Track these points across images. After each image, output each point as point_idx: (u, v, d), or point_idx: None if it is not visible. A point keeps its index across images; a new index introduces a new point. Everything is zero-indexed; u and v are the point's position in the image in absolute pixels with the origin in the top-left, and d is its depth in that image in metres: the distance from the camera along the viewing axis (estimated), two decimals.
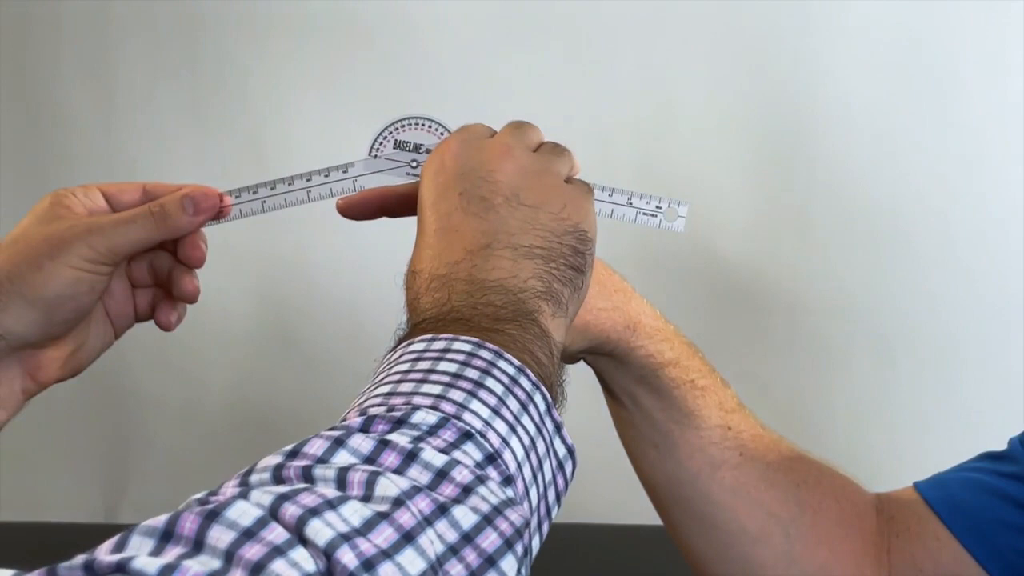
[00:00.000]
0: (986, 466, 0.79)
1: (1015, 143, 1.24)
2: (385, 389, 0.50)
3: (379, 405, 0.49)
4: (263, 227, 1.33)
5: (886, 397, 1.31)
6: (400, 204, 0.68)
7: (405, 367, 0.51)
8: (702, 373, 0.76)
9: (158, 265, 0.69)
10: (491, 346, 0.52)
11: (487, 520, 0.44)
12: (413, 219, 0.69)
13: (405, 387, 0.49)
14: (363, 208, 0.69)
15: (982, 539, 0.75)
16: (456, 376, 0.50)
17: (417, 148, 0.69)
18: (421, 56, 1.28)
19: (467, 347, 0.51)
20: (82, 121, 1.35)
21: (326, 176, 0.69)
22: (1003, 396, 1.25)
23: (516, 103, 1.28)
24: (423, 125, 0.69)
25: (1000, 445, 0.80)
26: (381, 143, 0.69)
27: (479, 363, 0.51)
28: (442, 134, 0.68)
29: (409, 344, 0.53)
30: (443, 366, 0.50)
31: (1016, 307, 1.26)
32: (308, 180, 0.69)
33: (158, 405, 1.38)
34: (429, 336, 0.53)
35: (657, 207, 0.71)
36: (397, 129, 0.69)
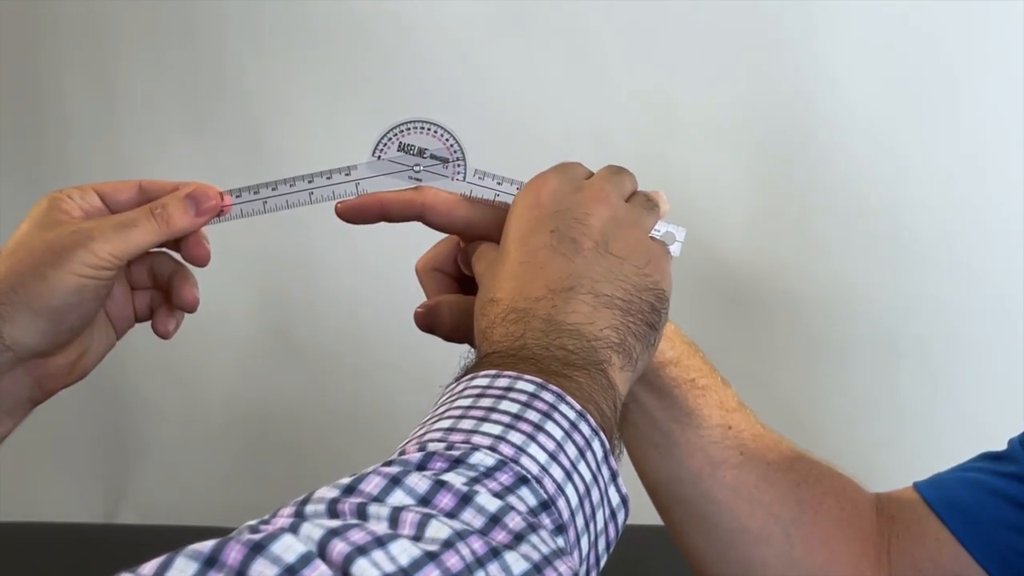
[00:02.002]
0: (986, 466, 0.79)
1: (1016, 142, 1.24)
2: (446, 424, 0.50)
3: (439, 441, 0.48)
4: (263, 228, 1.33)
5: (886, 397, 1.31)
6: (401, 210, 0.68)
7: (467, 402, 0.51)
8: (703, 372, 0.76)
9: (157, 269, 0.69)
10: (554, 388, 0.52)
11: (537, 569, 0.43)
12: (415, 223, 0.69)
13: (466, 424, 0.49)
14: (363, 212, 0.68)
15: (982, 539, 0.75)
16: (517, 417, 0.50)
17: (421, 152, 0.68)
18: (420, 57, 1.28)
19: (530, 387, 0.51)
20: (82, 122, 1.35)
21: (328, 178, 0.69)
22: (1003, 396, 1.25)
23: (516, 104, 1.28)
24: (428, 130, 0.68)
25: (1000, 445, 0.80)
26: (385, 145, 0.69)
27: (541, 405, 0.51)
28: (447, 139, 0.68)
29: (473, 378, 0.53)
30: (505, 405, 0.50)
31: (1017, 307, 1.26)
32: (310, 181, 0.69)
33: (158, 405, 1.38)
34: (494, 372, 0.53)
35: (656, 229, 0.71)
36: (402, 132, 0.69)
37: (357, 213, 0.68)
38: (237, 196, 0.69)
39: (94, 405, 1.38)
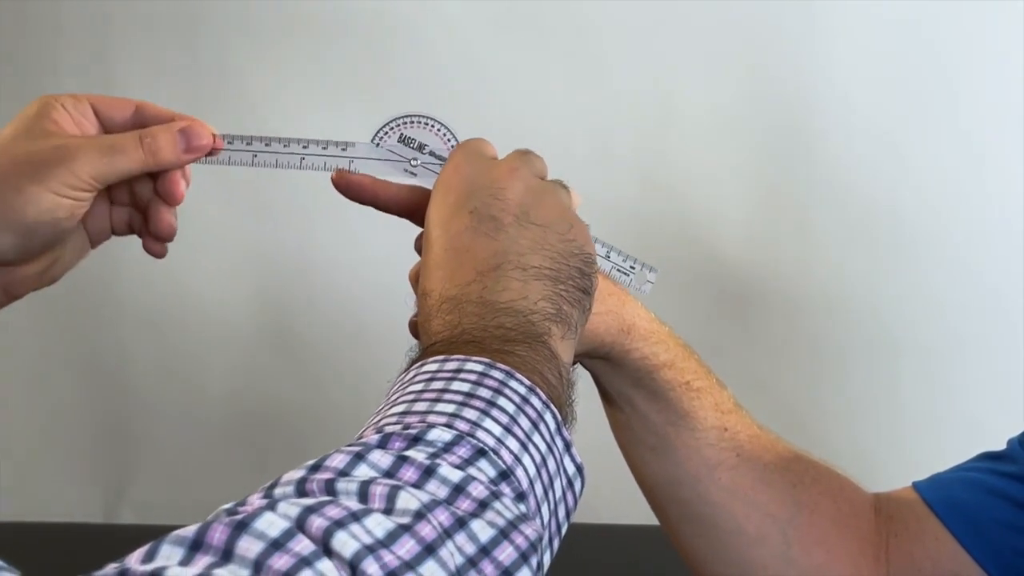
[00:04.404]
0: (985, 466, 0.79)
1: (1015, 142, 1.24)
2: (400, 408, 0.50)
3: (395, 423, 0.49)
4: (263, 226, 1.33)
5: (885, 397, 1.31)
6: (391, 203, 0.68)
7: (419, 387, 0.52)
8: (698, 375, 0.76)
9: (139, 191, 0.67)
10: (502, 366, 0.52)
11: (503, 534, 0.45)
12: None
13: (420, 406, 0.50)
14: (357, 191, 0.68)
15: (981, 538, 0.75)
16: (469, 395, 0.50)
17: (421, 148, 0.68)
18: (420, 56, 1.28)
19: (479, 367, 0.52)
20: None
21: (323, 148, 0.68)
22: (1003, 396, 1.25)
23: (516, 103, 1.28)
24: (431, 126, 0.68)
25: (1000, 445, 0.80)
26: (386, 133, 0.68)
27: (491, 383, 0.51)
28: (448, 139, 0.68)
29: (422, 365, 0.53)
30: (456, 385, 0.51)
31: (1016, 307, 1.26)
32: (304, 147, 0.68)
33: (158, 405, 1.38)
34: (441, 357, 0.53)
35: (631, 267, 0.71)
36: (404, 124, 0.68)
37: (352, 189, 0.68)
38: (229, 142, 0.68)
39: (94, 405, 1.38)
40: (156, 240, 0.68)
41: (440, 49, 1.29)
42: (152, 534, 0.40)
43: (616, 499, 1.12)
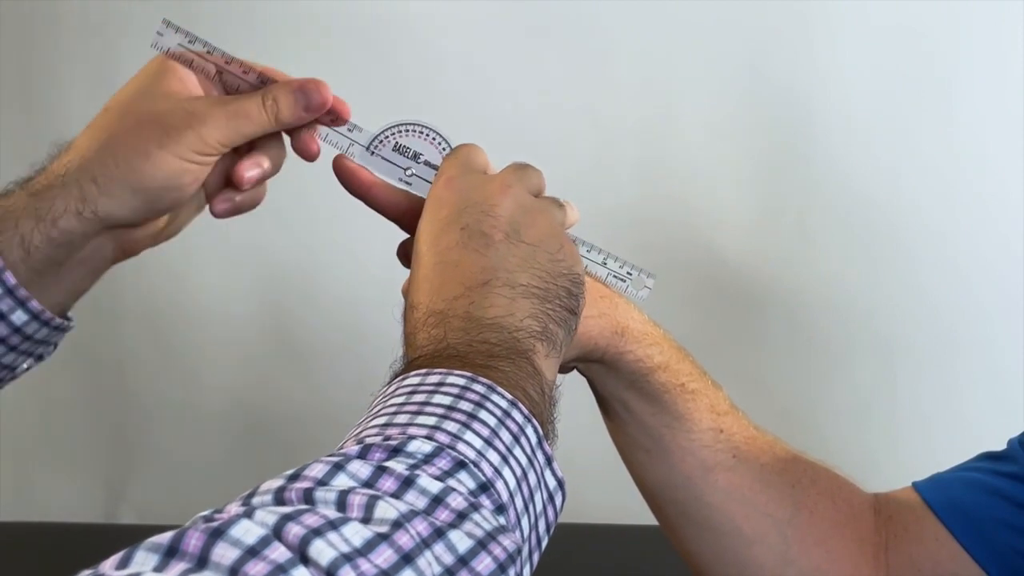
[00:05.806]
0: (985, 466, 0.79)
1: (1014, 144, 1.24)
2: (381, 421, 0.50)
3: (375, 435, 0.49)
4: (264, 227, 1.33)
5: (885, 397, 1.31)
6: (382, 204, 0.69)
7: (400, 400, 0.52)
8: (692, 376, 0.76)
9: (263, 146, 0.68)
10: (484, 380, 0.52)
11: (481, 545, 0.45)
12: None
13: (401, 418, 0.50)
14: (351, 179, 0.68)
15: (981, 539, 0.75)
16: (450, 408, 0.50)
17: (416, 157, 0.68)
18: (421, 56, 1.28)
19: (461, 381, 0.52)
20: (82, 121, 1.34)
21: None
22: (1003, 396, 1.25)
23: (516, 104, 1.28)
24: (426, 135, 0.68)
25: (1000, 445, 0.80)
26: (382, 141, 0.68)
27: (473, 396, 0.51)
28: (443, 148, 0.68)
29: (404, 378, 0.53)
30: (437, 399, 0.51)
31: (1015, 308, 1.26)
32: None
33: (158, 406, 1.39)
34: (424, 371, 0.53)
35: (628, 273, 0.71)
36: (400, 132, 0.68)
37: (345, 173, 0.68)
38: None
39: (94, 405, 1.38)
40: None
41: (440, 49, 1.29)
42: (152, 535, 0.40)
43: (615, 499, 1.12)
